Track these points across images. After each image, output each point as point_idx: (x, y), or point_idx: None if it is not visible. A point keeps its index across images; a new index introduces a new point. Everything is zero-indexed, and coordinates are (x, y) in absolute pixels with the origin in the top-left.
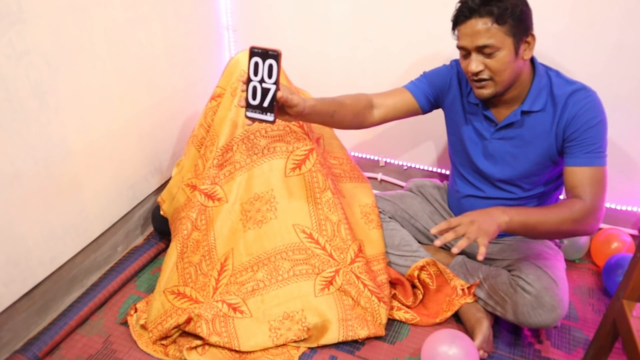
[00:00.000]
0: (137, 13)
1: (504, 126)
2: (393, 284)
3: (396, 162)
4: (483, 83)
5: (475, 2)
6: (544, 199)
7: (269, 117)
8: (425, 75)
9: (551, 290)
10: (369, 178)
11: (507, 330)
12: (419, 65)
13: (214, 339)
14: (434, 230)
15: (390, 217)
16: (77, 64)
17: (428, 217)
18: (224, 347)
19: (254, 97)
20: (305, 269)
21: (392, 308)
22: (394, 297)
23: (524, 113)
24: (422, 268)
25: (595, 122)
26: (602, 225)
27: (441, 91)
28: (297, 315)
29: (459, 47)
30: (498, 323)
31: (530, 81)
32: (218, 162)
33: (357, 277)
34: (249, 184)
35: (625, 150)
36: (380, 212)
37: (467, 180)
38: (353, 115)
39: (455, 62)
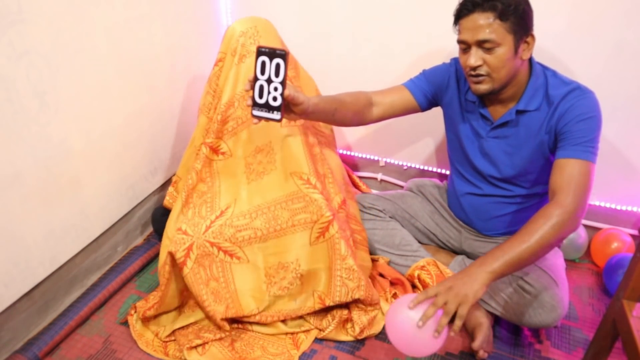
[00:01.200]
0: (137, 13)
1: (499, 125)
2: (393, 284)
3: (396, 162)
4: (480, 78)
5: None
6: (544, 197)
7: (276, 115)
8: (424, 73)
9: (551, 290)
10: (369, 178)
11: (507, 330)
12: (419, 64)
13: (212, 285)
14: (411, 305)
15: (390, 217)
16: (77, 64)
17: (428, 217)
18: (222, 344)
19: (261, 96)
20: (304, 217)
21: None
22: (394, 297)
23: (518, 112)
24: (422, 268)
25: (587, 117)
26: (602, 225)
27: (439, 89)
28: (292, 265)
29: (460, 41)
30: (498, 323)
31: (527, 80)
32: (222, 118)
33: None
34: (250, 138)
35: (625, 151)
36: (380, 211)
37: (465, 178)
38: (353, 113)
39: (455, 60)
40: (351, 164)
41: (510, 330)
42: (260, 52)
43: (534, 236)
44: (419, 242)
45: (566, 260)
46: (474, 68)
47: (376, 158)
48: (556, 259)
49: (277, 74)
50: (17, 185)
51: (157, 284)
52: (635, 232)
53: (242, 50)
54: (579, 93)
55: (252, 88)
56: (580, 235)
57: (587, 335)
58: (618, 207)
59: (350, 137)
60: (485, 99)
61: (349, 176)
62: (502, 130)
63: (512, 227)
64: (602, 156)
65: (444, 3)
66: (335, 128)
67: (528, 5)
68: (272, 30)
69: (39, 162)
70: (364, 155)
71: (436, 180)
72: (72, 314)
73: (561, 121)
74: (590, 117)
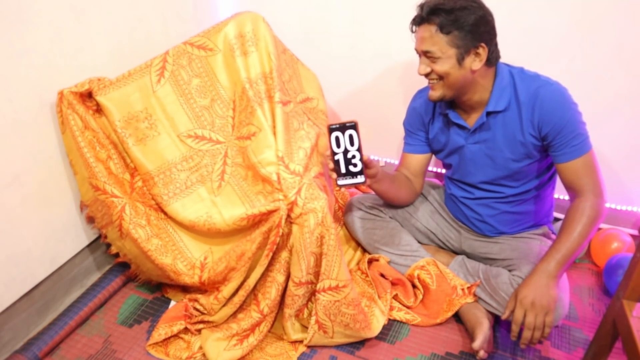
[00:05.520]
0: (137, 13)
1: (476, 130)
2: (394, 284)
3: (396, 162)
4: (433, 83)
5: (425, 10)
6: (537, 192)
7: (360, 178)
8: (407, 131)
9: None
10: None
11: (507, 330)
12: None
13: (154, 242)
14: (515, 336)
15: (390, 217)
16: (77, 64)
17: (429, 217)
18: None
19: (342, 167)
20: (200, 174)
21: (392, 309)
22: (395, 297)
23: (489, 114)
24: (422, 268)
25: (568, 117)
26: (602, 225)
27: (424, 128)
28: (202, 219)
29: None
30: (498, 323)
31: (492, 84)
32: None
33: (243, 141)
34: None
35: (625, 151)
36: (380, 211)
37: (457, 185)
38: (405, 185)
39: (417, 94)
40: None
41: (510, 330)
42: (331, 129)
43: (576, 231)
44: (419, 242)
45: None
46: (425, 74)
47: (376, 158)
48: None
49: (352, 144)
50: (17, 185)
51: (158, 284)
52: (635, 232)
53: (242, 49)
54: (548, 90)
55: (333, 162)
56: None
57: (587, 335)
58: (618, 207)
59: None
60: (457, 109)
61: None
62: (480, 134)
63: (509, 226)
64: (602, 156)
65: None
66: None
67: (482, 17)
68: (267, 32)
69: (39, 162)
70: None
71: (435, 181)
72: (72, 314)
73: (543, 128)
74: (570, 116)
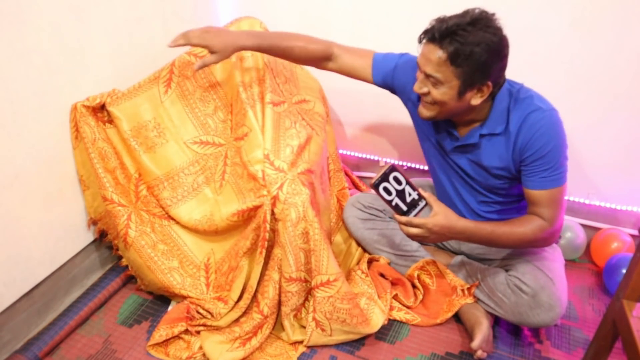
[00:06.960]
0: (137, 13)
1: (463, 145)
2: (394, 284)
3: (396, 162)
4: (426, 104)
5: (440, 31)
6: (520, 204)
7: (422, 202)
8: (397, 63)
9: (548, 289)
10: (369, 178)
11: (507, 330)
12: None
13: (160, 247)
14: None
15: (390, 217)
16: (77, 64)
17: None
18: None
19: (403, 206)
20: (205, 176)
21: (392, 309)
22: (395, 297)
23: (482, 136)
24: (422, 268)
25: (549, 148)
26: (602, 225)
27: (403, 89)
28: (206, 217)
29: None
30: (498, 323)
31: (490, 105)
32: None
33: (238, 142)
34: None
35: (625, 150)
36: (380, 211)
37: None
38: (304, 61)
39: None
40: (351, 164)
41: (510, 330)
42: (376, 186)
43: (514, 233)
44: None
45: (566, 260)
46: (421, 94)
47: (376, 158)
48: (554, 257)
49: (399, 183)
50: (17, 185)
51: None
52: (635, 232)
53: (238, 54)
54: (538, 117)
55: (394, 209)
56: (578, 235)
57: (587, 335)
58: (618, 207)
59: (350, 137)
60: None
61: (349, 176)
62: (467, 147)
63: None
64: (602, 156)
65: (444, 4)
66: (335, 127)
67: (496, 54)
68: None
69: (39, 162)
70: (364, 155)
71: (433, 180)
72: (72, 314)
73: (524, 152)
74: (552, 147)
